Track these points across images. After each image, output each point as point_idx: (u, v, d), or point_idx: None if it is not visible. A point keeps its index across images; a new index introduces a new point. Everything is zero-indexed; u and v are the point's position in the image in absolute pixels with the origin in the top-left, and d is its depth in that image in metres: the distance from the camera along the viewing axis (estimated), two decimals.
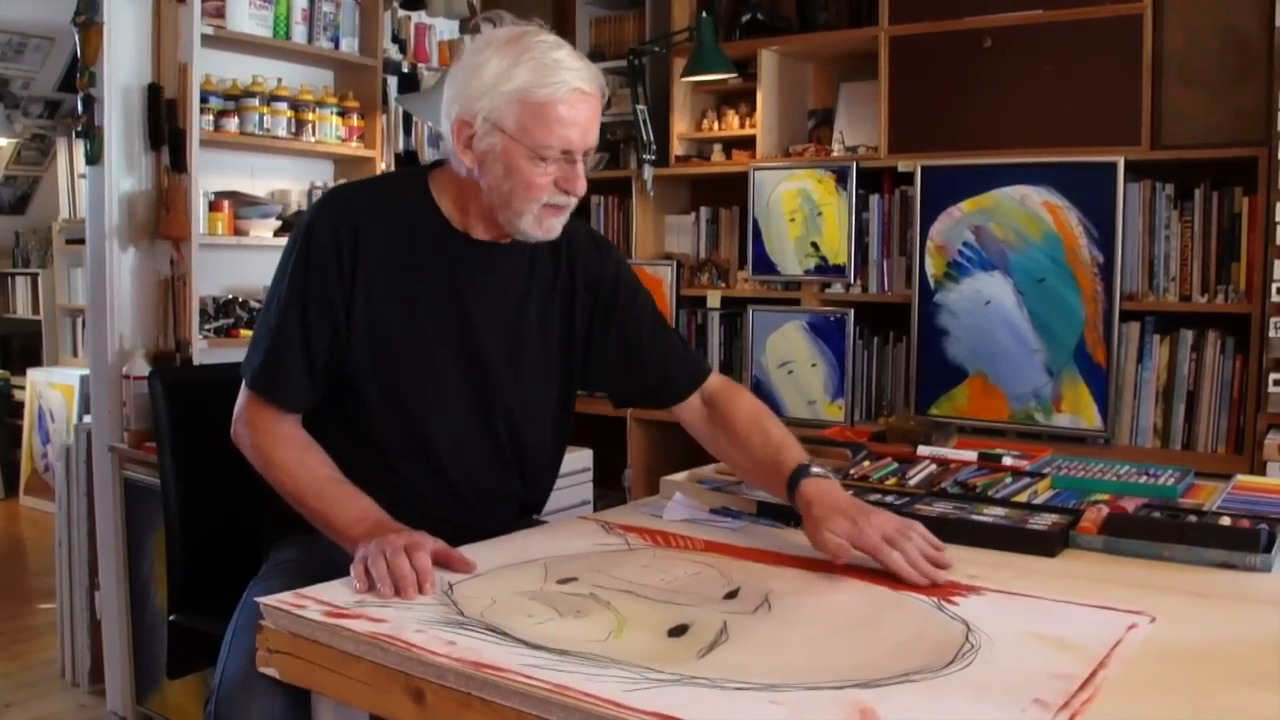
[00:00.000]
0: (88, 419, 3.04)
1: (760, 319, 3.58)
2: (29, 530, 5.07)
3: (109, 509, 2.87)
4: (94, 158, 2.83)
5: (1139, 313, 3.02)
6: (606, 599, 1.27)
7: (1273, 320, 2.69)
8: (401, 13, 3.46)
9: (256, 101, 3.01)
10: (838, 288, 3.49)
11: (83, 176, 3.91)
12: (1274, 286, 2.69)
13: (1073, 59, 3.07)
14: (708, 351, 3.79)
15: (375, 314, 1.59)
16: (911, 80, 3.33)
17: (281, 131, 3.08)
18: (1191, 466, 1.91)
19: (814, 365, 3.48)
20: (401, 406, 1.61)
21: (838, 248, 3.45)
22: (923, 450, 2.01)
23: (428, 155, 3.46)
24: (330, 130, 3.20)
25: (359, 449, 1.60)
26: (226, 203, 3.00)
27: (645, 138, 3.79)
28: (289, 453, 1.56)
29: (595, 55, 4.18)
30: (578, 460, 3.20)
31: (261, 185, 3.21)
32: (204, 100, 2.88)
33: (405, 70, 3.43)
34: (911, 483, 1.81)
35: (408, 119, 3.44)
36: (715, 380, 1.77)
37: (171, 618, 1.95)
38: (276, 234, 3.05)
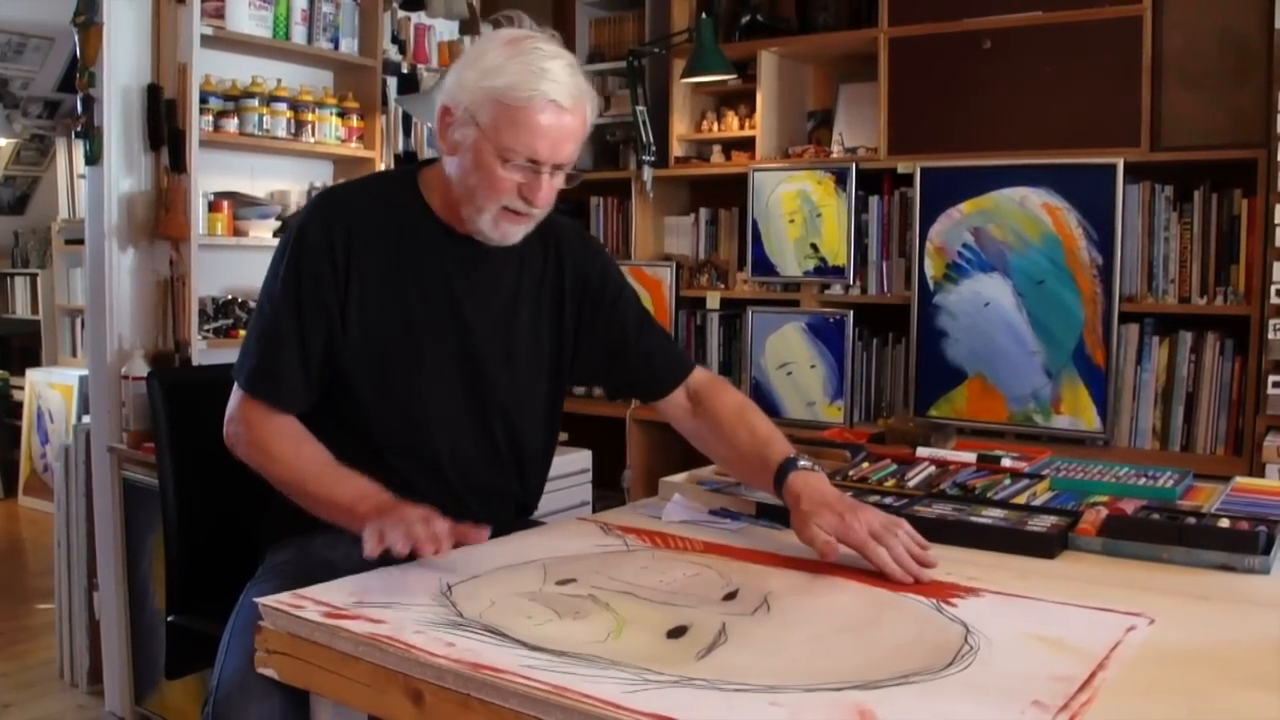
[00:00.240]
0: (87, 419, 3.04)
1: (759, 320, 3.58)
2: (28, 530, 5.07)
3: (108, 509, 2.87)
4: (93, 158, 2.83)
5: (1138, 314, 3.02)
6: (605, 600, 1.26)
7: (1272, 322, 2.69)
8: (401, 13, 3.46)
9: (256, 102, 3.01)
10: (837, 289, 3.49)
11: (82, 177, 3.90)
12: (1273, 288, 2.69)
13: (1072, 60, 3.07)
14: (707, 353, 3.79)
15: (370, 313, 1.60)
16: (911, 82, 3.33)
17: (281, 132, 3.08)
18: (1190, 468, 1.91)
19: (813, 366, 3.48)
20: (398, 406, 1.61)
21: (837, 249, 3.45)
22: (922, 452, 2.00)
23: (427, 156, 3.46)
24: (330, 131, 3.20)
25: (355, 448, 1.60)
26: (226, 203, 3.00)
27: (645, 139, 3.79)
28: (285, 444, 1.57)
29: (595, 56, 4.19)
30: (576, 461, 3.20)
31: (261, 186, 3.21)
32: (203, 101, 2.88)
33: (405, 71, 3.43)
34: (910, 484, 1.81)
35: (407, 120, 3.44)
36: (700, 375, 1.78)
37: (170, 618, 1.95)
38: (276, 234, 3.05)
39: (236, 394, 1.62)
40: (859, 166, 3.42)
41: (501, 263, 1.66)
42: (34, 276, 5.99)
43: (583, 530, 1.62)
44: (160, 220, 2.81)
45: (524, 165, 1.52)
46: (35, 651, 3.41)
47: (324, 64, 3.31)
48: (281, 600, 1.24)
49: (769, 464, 1.56)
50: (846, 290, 3.48)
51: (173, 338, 2.84)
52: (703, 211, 3.92)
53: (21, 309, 6.08)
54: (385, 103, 3.34)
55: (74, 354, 5.71)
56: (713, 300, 3.78)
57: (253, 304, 3.00)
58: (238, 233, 3.02)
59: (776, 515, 1.63)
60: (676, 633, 1.16)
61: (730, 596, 1.29)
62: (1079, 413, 3.02)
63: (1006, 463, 1.92)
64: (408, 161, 3.40)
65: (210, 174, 2.96)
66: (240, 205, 3.05)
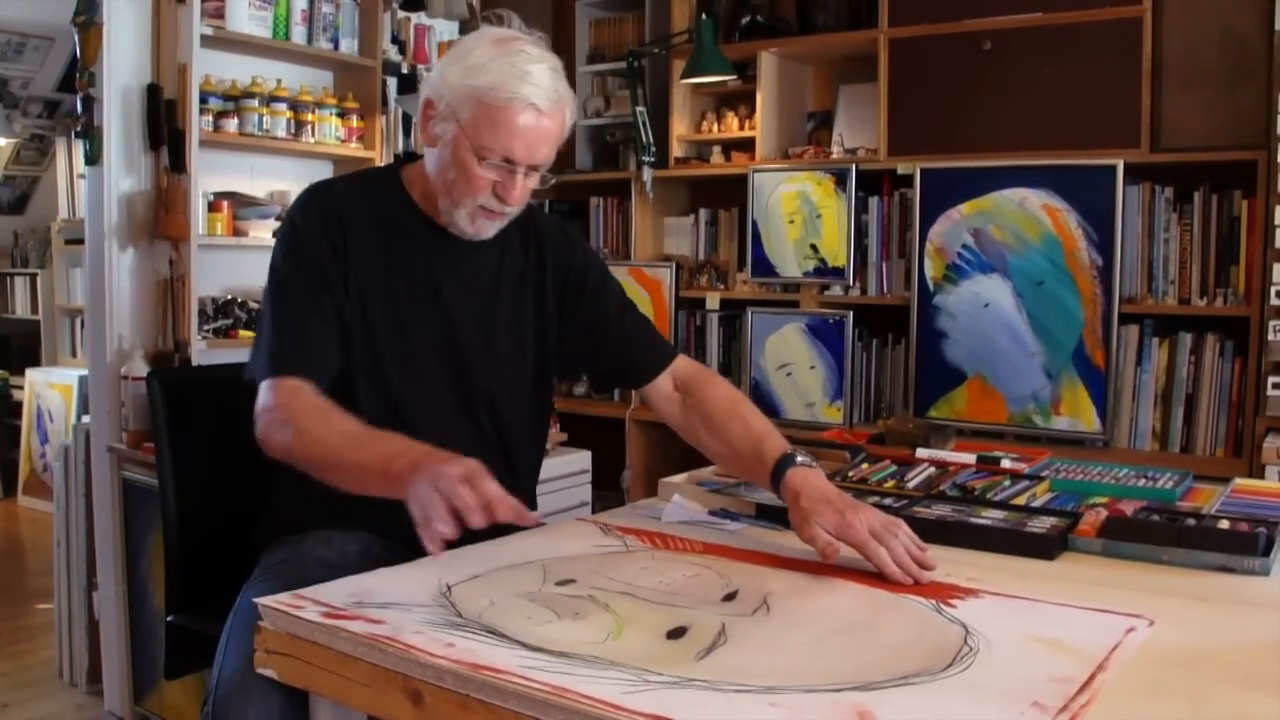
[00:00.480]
0: (86, 419, 3.04)
1: (759, 321, 3.58)
2: (27, 530, 5.06)
3: (107, 509, 2.87)
4: (93, 158, 2.83)
5: (1138, 316, 3.02)
6: (605, 601, 1.26)
7: (1271, 323, 2.70)
8: (401, 14, 3.47)
9: (256, 102, 3.01)
10: (837, 290, 3.49)
11: (82, 177, 3.91)
12: (1273, 290, 2.69)
13: (1072, 62, 3.07)
14: (707, 353, 3.79)
15: (364, 303, 1.62)
16: (911, 83, 3.33)
17: (281, 132, 3.08)
18: (1190, 469, 1.91)
19: (813, 367, 3.48)
20: (390, 397, 1.63)
21: (837, 250, 3.45)
22: (921, 453, 2.00)
23: None
24: (329, 131, 3.20)
25: None
26: (225, 203, 3.00)
27: (644, 139, 3.79)
28: (314, 419, 1.50)
29: (595, 56, 4.19)
30: (576, 462, 3.20)
31: (261, 186, 3.21)
32: (203, 101, 2.88)
33: (405, 71, 3.43)
34: (910, 485, 1.80)
35: (407, 120, 3.44)
36: (687, 366, 1.79)
37: (169, 618, 1.95)
38: (275, 235, 3.05)
39: (262, 387, 1.56)
40: (859, 167, 3.42)
41: (483, 254, 1.69)
42: (34, 276, 5.99)
43: (582, 531, 1.62)
44: (160, 220, 2.81)
45: (500, 164, 1.55)
46: (34, 651, 3.41)
47: (324, 64, 3.31)
48: (281, 600, 1.24)
49: (765, 459, 1.55)
50: (846, 291, 3.48)
51: (172, 338, 2.84)
52: (702, 212, 3.92)
53: (21, 309, 6.08)
54: (385, 103, 3.34)
55: (74, 354, 5.71)
56: (712, 301, 3.78)
57: (253, 304, 3.01)
58: (237, 233, 3.02)
59: (776, 516, 1.63)
60: (676, 633, 1.16)
61: (730, 597, 1.29)
62: (1079, 414, 3.02)
63: (1006, 464, 1.92)
64: (407, 162, 3.40)
65: (210, 174, 2.96)
66: (240, 205, 3.05)
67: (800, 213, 3.50)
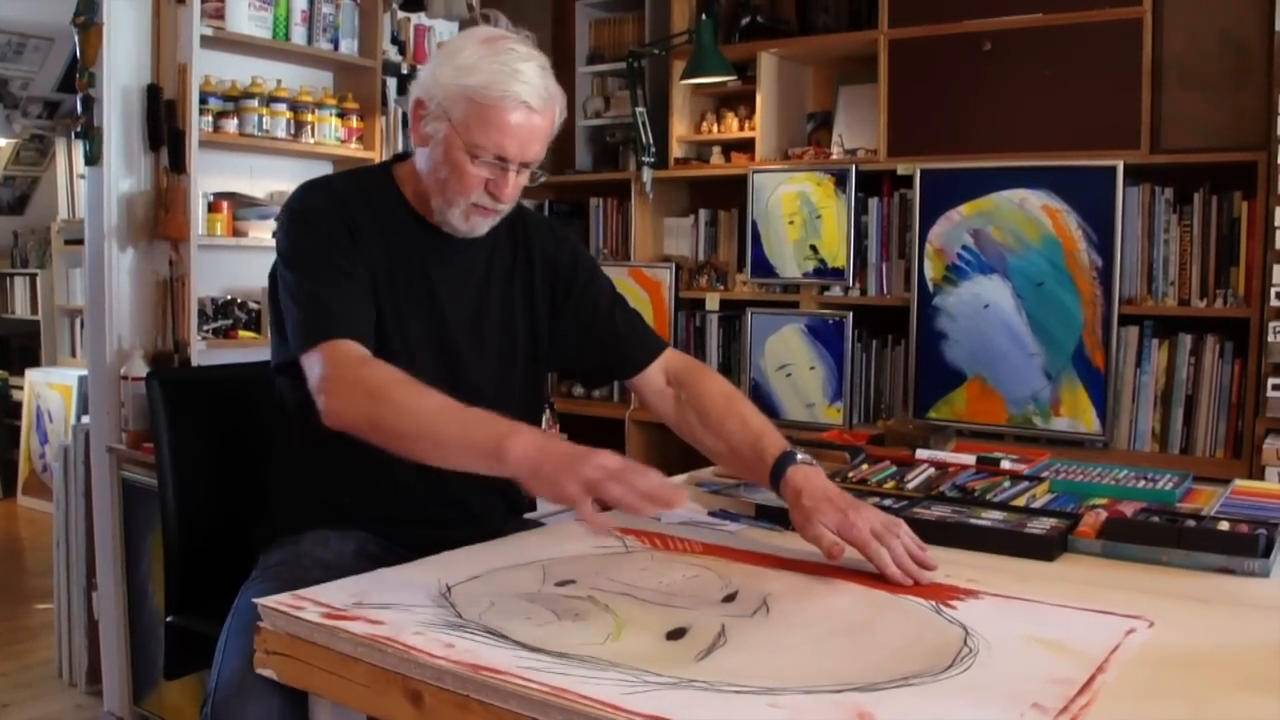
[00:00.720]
0: (86, 419, 3.03)
1: (759, 322, 3.58)
2: (26, 530, 5.06)
3: (107, 509, 2.86)
4: (93, 158, 2.83)
5: (1138, 317, 3.02)
6: (605, 601, 1.26)
7: (1271, 325, 2.69)
8: (401, 14, 3.47)
9: (256, 102, 3.01)
10: (836, 291, 3.49)
11: (81, 177, 3.91)
12: (1273, 291, 2.69)
13: (1072, 62, 3.07)
14: (706, 354, 3.79)
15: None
16: (911, 83, 3.33)
17: (280, 133, 3.08)
18: (1190, 471, 1.91)
19: (812, 368, 3.48)
20: None
21: (837, 251, 3.45)
22: (921, 454, 2.01)
23: None
24: (329, 131, 3.20)
25: (337, 434, 1.58)
26: (225, 204, 3.00)
27: (644, 140, 3.79)
28: (402, 390, 1.42)
29: (595, 57, 4.19)
30: None
31: (260, 186, 3.20)
32: (203, 101, 2.88)
33: (405, 72, 3.43)
34: (909, 486, 1.80)
35: (407, 120, 3.43)
36: (679, 360, 1.79)
37: (169, 618, 1.95)
38: (274, 235, 3.05)
39: (312, 359, 1.49)
40: (859, 168, 3.42)
41: (474, 252, 1.70)
42: (33, 277, 5.99)
43: (582, 532, 1.61)
44: (160, 220, 2.81)
45: (492, 162, 1.56)
46: (34, 651, 3.41)
47: (324, 65, 3.31)
48: (281, 601, 1.24)
49: (765, 457, 1.55)
50: (846, 292, 3.47)
51: (172, 338, 2.84)
52: (702, 213, 3.92)
53: (21, 309, 6.08)
54: (385, 103, 3.34)
55: (73, 354, 5.71)
56: (712, 302, 3.78)
57: (253, 304, 3.01)
58: (237, 233, 3.02)
59: (775, 517, 1.63)
60: (676, 634, 1.16)
61: (729, 598, 1.29)
62: (1078, 415, 3.02)
63: (1006, 465, 1.92)
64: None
65: (210, 174, 2.96)
66: (240, 206, 3.05)
67: (800, 213, 3.50)
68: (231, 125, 2.97)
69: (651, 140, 3.80)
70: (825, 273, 3.48)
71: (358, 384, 1.45)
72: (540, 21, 4.30)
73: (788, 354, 3.52)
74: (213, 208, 2.97)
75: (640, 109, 3.79)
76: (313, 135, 3.15)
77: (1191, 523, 1.55)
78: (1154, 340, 3.01)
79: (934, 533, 1.48)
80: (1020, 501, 1.71)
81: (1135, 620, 1.21)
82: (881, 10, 3.37)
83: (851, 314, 3.42)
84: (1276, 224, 2.69)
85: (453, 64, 1.55)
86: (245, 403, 1.94)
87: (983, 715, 0.96)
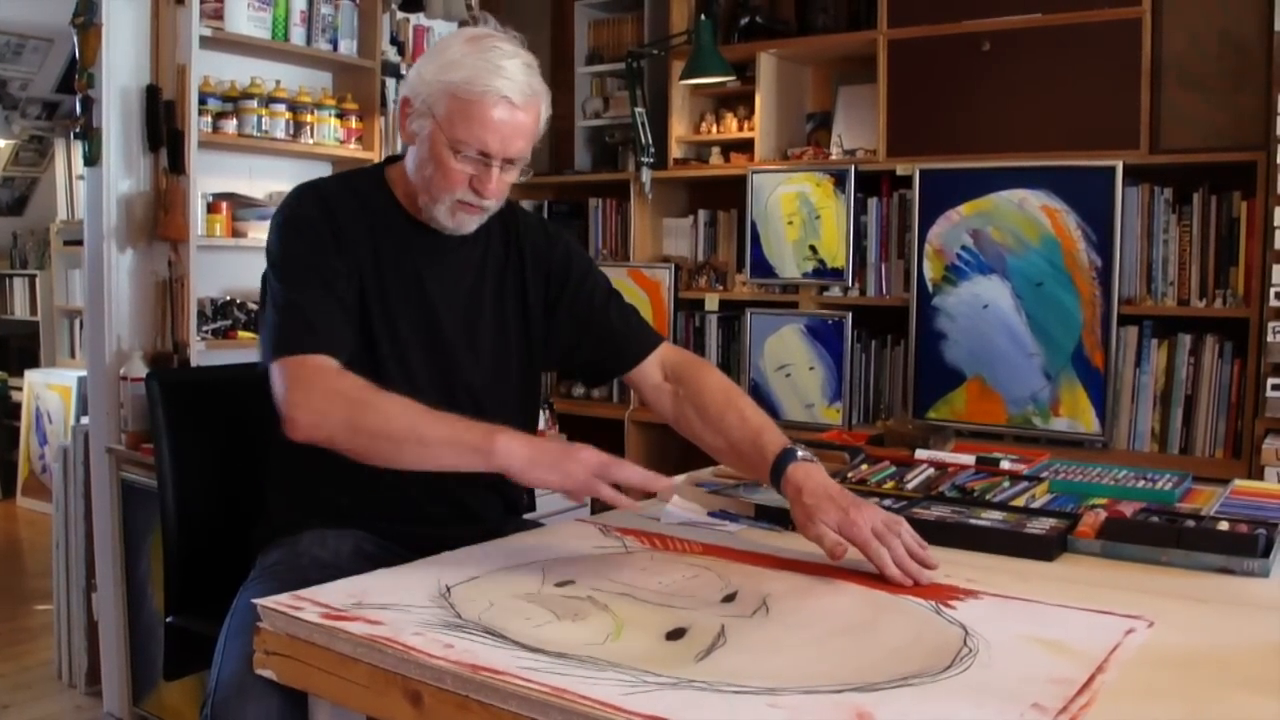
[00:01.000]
0: (85, 420, 3.03)
1: (758, 322, 3.58)
2: (26, 531, 5.06)
3: (106, 510, 2.86)
4: (92, 159, 2.83)
5: (1137, 317, 3.02)
6: (604, 602, 1.26)
7: (1271, 325, 2.70)
8: (400, 15, 3.46)
9: (255, 103, 3.01)
10: (836, 291, 3.49)
11: (81, 178, 3.91)
12: (1272, 291, 2.69)
13: (1071, 62, 3.08)
14: (706, 355, 3.79)
15: (359, 298, 1.62)
16: (910, 84, 3.33)
17: (280, 133, 3.07)
18: (1189, 471, 1.91)
19: (812, 369, 3.48)
20: None
21: (836, 251, 3.45)
22: (920, 454, 2.01)
23: None
24: (328, 132, 3.20)
25: None
26: (225, 204, 3.00)
27: (643, 140, 3.79)
28: (375, 395, 1.45)
29: (594, 57, 4.18)
30: None
31: (260, 187, 3.20)
32: (202, 102, 2.88)
33: (403, 72, 3.42)
34: (909, 486, 1.81)
35: None
36: (676, 355, 1.78)
37: (168, 619, 1.95)
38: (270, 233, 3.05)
39: (279, 369, 1.50)
40: (858, 168, 3.42)
41: (466, 251, 1.70)
42: (33, 277, 5.99)
43: (581, 532, 1.62)
44: (159, 221, 2.81)
45: (475, 158, 1.56)
46: (33, 652, 3.41)
47: (323, 65, 3.31)
48: (280, 601, 1.24)
49: (765, 454, 1.54)
50: (845, 292, 3.48)
51: (171, 339, 2.84)
52: (701, 213, 3.92)
53: (20, 310, 6.08)
54: (384, 104, 3.34)
55: (73, 355, 5.71)
56: (711, 302, 3.78)
57: (251, 305, 3.01)
58: (236, 234, 3.02)
59: (775, 517, 1.63)
60: (675, 634, 1.16)
61: (729, 598, 1.29)
62: (1078, 415, 3.02)
63: (1005, 465, 1.92)
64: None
65: (209, 175, 2.96)
66: (239, 206, 3.05)
67: (799, 214, 3.50)
68: (230, 126, 2.97)
69: (651, 141, 3.80)
70: (824, 273, 3.48)
71: (335, 393, 1.47)
72: (539, 22, 4.30)
73: (787, 354, 3.52)
74: (212, 208, 2.97)
75: (639, 109, 3.79)
76: (312, 136, 3.15)
77: (1191, 523, 1.55)
78: (1153, 340, 3.01)
79: (933, 533, 1.48)
80: (1020, 502, 1.71)
81: (1135, 620, 1.21)
82: (881, 10, 3.37)
83: (851, 314, 3.42)
84: (1276, 224, 2.69)
85: (438, 62, 1.57)
86: (245, 403, 1.93)
87: (982, 715, 0.96)
